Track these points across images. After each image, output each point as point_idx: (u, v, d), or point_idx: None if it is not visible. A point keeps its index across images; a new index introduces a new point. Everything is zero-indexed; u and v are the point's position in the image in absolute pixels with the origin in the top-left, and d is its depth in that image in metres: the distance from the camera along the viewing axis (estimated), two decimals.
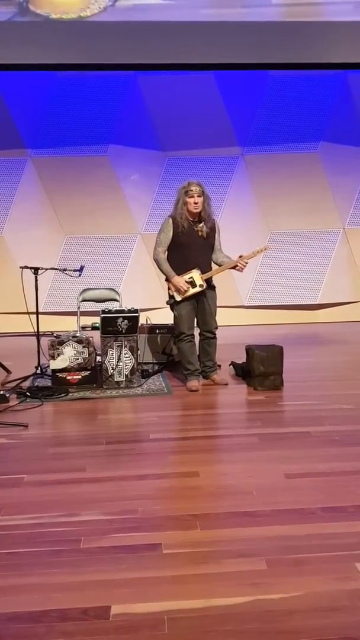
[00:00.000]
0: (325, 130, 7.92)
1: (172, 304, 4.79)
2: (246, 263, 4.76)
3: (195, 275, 4.67)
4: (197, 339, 4.93)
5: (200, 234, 4.68)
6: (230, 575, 2.27)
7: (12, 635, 1.97)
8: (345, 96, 7.86)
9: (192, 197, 4.58)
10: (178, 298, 4.72)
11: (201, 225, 4.68)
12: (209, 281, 4.77)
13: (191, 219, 4.66)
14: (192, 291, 4.68)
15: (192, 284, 4.67)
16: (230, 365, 5.31)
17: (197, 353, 4.95)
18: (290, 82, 7.77)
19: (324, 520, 2.66)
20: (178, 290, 4.68)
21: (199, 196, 4.59)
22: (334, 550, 2.42)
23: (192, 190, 4.58)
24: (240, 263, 4.74)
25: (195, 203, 4.59)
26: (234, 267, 4.79)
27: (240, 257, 4.76)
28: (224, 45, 6.98)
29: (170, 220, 4.70)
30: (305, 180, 8.00)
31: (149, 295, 7.71)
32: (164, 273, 4.78)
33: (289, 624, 2.01)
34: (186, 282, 4.66)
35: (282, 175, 7.97)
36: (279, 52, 7.11)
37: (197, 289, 4.68)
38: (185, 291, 4.66)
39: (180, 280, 4.66)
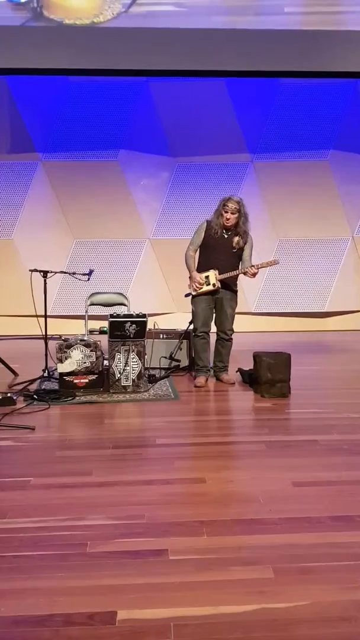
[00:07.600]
0: (336, 139, 7.93)
1: (192, 297, 5.08)
2: (256, 271, 4.99)
3: (212, 274, 4.97)
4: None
5: (229, 242, 4.96)
6: (236, 582, 2.26)
7: (18, 639, 1.96)
8: (356, 105, 7.87)
9: (227, 212, 4.88)
10: (193, 293, 5.01)
11: (236, 237, 4.95)
12: (229, 285, 5.03)
13: (225, 229, 4.94)
14: (204, 288, 4.97)
15: (207, 282, 4.96)
16: (237, 372, 5.30)
17: (210, 352, 5.17)
18: (301, 90, 7.79)
19: (332, 530, 2.65)
20: (192, 285, 5.01)
21: (232, 213, 4.90)
22: (341, 560, 2.40)
23: (227, 207, 4.92)
24: (249, 270, 4.98)
25: (228, 219, 4.89)
26: (244, 273, 5.01)
27: (252, 266, 5.00)
28: (236, 53, 7.01)
29: (205, 224, 5.04)
30: (314, 188, 8.00)
31: (157, 300, 7.72)
32: (187, 268, 5.07)
33: (296, 633, 1.99)
34: (202, 278, 4.94)
35: (291, 183, 7.97)
36: (290, 60, 7.12)
37: (210, 288, 4.97)
38: (198, 285, 4.93)
39: (197, 275, 4.98)
